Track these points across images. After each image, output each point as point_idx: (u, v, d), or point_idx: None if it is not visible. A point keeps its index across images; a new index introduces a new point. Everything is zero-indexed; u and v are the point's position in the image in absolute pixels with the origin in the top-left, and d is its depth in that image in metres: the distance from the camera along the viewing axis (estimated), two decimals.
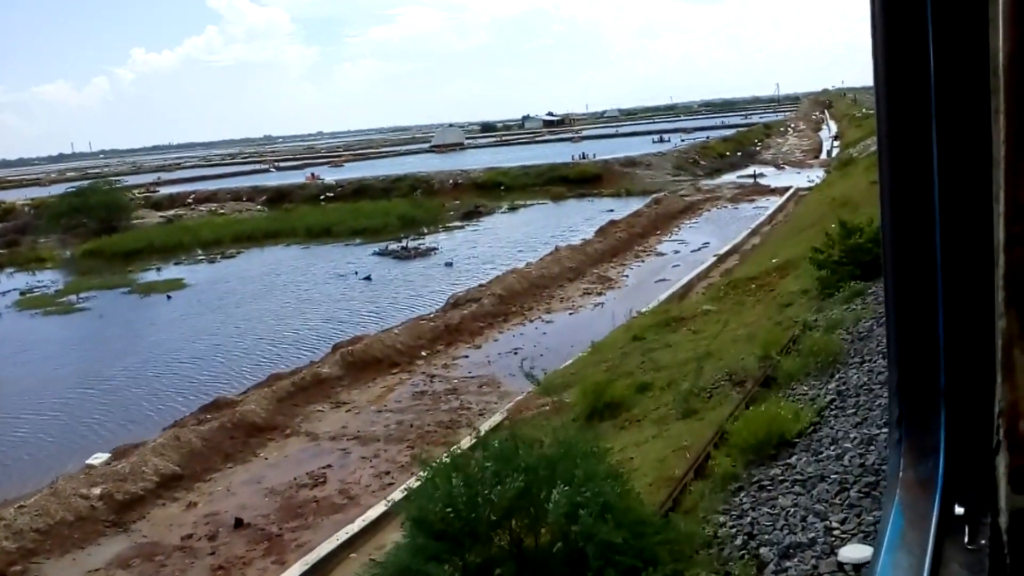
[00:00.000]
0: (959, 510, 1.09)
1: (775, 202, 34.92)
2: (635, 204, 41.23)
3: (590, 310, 20.25)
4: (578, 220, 38.25)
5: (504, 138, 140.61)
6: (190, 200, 64.24)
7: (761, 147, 68.30)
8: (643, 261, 25.87)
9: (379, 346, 16.86)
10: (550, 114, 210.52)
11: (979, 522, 1.05)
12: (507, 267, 26.22)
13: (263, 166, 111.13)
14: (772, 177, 48.12)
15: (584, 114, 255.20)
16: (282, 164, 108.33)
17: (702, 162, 57.03)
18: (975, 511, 1.07)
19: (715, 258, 23.39)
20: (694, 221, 33.48)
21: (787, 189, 38.63)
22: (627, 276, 23.78)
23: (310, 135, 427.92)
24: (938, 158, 1.03)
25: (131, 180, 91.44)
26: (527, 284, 21.95)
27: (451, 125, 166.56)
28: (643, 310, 17.39)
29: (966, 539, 1.06)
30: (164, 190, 73.17)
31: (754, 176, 45.83)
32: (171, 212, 54.38)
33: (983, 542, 1.03)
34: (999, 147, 0.81)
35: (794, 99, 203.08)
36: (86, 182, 56.99)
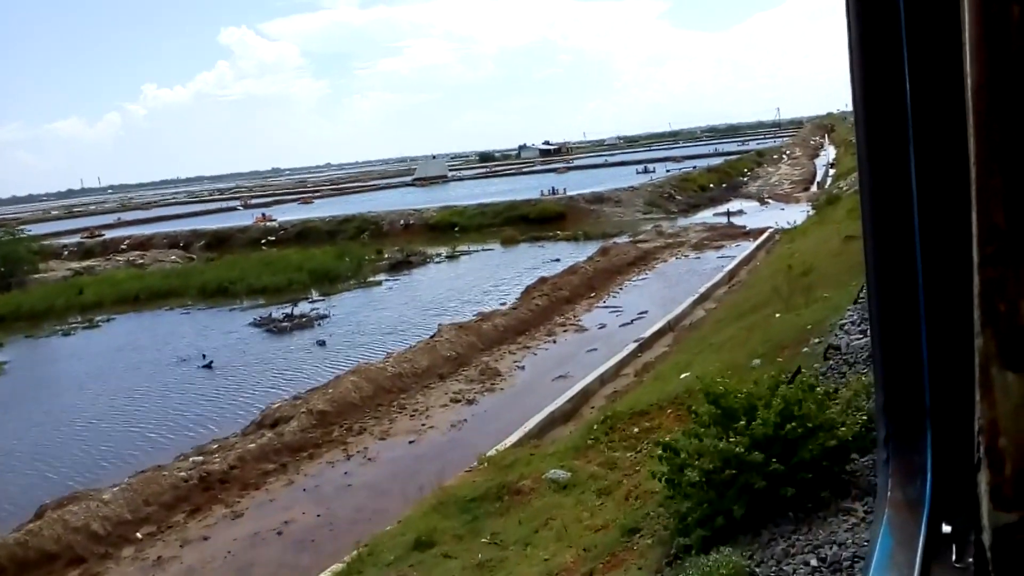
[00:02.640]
0: (946, 529, 1.11)
1: (745, 249, 28.96)
2: (591, 249, 35.65)
3: (443, 433, 14.25)
4: (518, 271, 32.43)
5: (494, 169, 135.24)
6: (124, 246, 59.02)
7: (749, 177, 62.37)
8: (555, 341, 19.90)
9: (71, 525, 10.88)
10: (546, 143, 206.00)
11: (966, 540, 1.07)
12: (399, 342, 20.47)
13: (236, 203, 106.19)
14: (752, 214, 42.24)
15: (582, 143, 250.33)
16: (253, 201, 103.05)
17: (678, 197, 51.14)
18: (962, 530, 1.08)
19: (636, 344, 17.39)
20: (643, 277, 27.51)
21: (763, 232, 32.70)
22: (523, 368, 17.79)
23: (318, 167, 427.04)
24: (916, 179, 1.04)
25: (84, 223, 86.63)
26: (373, 388, 16.00)
27: (434, 157, 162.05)
28: (487, 454, 11.43)
29: (953, 558, 1.07)
30: (110, 234, 67.82)
31: (728, 215, 39.86)
32: (85, 263, 48.73)
33: (970, 560, 1.04)
34: (971, 169, 0.83)
35: (797, 123, 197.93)
36: None
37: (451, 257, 38.68)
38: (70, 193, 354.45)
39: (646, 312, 21.87)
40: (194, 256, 50.03)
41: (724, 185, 57.43)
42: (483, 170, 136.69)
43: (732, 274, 24.82)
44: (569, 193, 54.48)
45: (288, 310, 27.17)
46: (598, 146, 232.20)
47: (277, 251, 48.34)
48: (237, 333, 25.69)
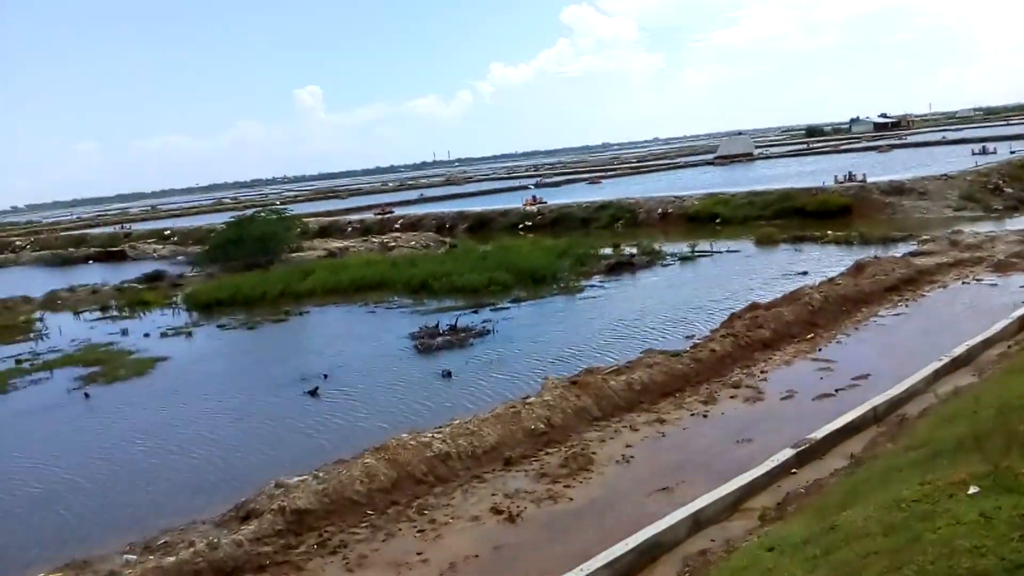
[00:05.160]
0: None
1: None
2: (868, 254, 28.17)
3: None
4: (751, 284, 26.14)
5: (812, 146, 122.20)
6: (397, 226, 60.05)
7: None
8: (707, 414, 14.05)
9: None
10: (883, 115, 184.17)
11: None
12: (532, 378, 16.10)
13: (537, 180, 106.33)
14: None
15: (928, 115, 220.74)
16: (548, 181, 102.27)
17: (1008, 189, 39.88)
18: None
19: (794, 451, 11.18)
20: (898, 311, 20.01)
21: None
22: (628, 460, 12.37)
23: (646, 142, 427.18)
24: None
25: (402, 196, 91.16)
26: (395, 477, 11.69)
27: (740, 133, 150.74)
28: None
29: None
30: (402, 211, 69.92)
31: None
32: (346, 243, 49.60)
33: None
34: None
35: None
36: (250, 211, 54.18)
37: (686, 258, 32.81)
38: (423, 165, 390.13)
39: (867, 376, 15.13)
40: (446, 240, 48.87)
41: None
42: (800, 147, 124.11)
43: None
44: (871, 179, 45.17)
45: (453, 321, 23.67)
46: (949, 119, 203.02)
47: (532, 237, 45.84)
48: (394, 344, 22.71)
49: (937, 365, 14.11)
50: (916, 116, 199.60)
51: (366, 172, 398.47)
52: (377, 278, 33.26)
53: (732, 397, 14.84)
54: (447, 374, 18.67)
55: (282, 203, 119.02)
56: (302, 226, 53.73)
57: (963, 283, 22.10)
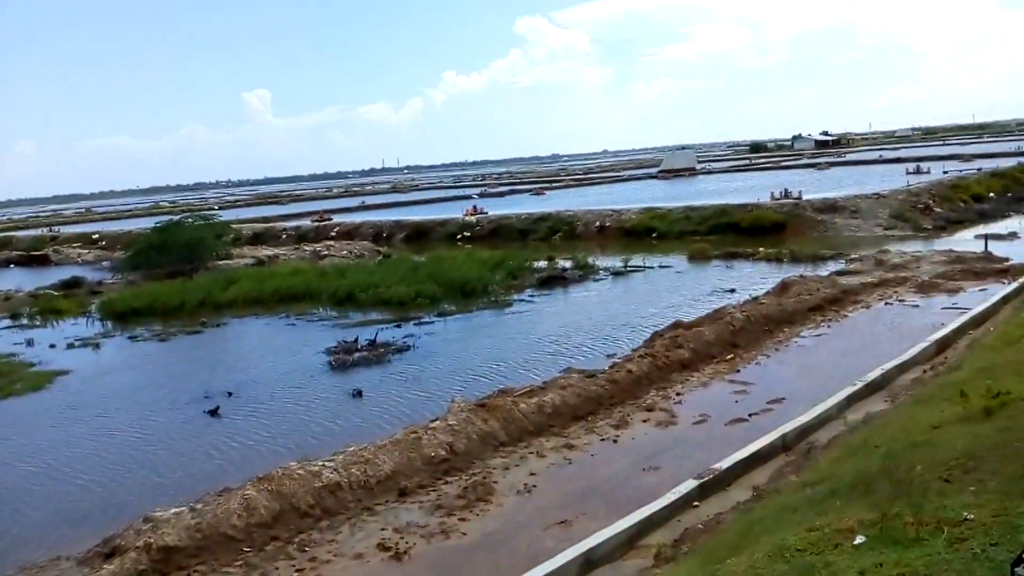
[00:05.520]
0: None
1: (989, 297, 20.25)
2: (795, 274, 28.26)
3: None
4: (678, 302, 25.88)
5: (755, 162, 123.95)
6: (333, 233, 58.98)
7: None
8: (616, 439, 13.53)
9: None
10: (824, 133, 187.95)
11: None
12: (446, 397, 15.31)
13: (481, 190, 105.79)
14: None
15: (868, 133, 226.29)
16: (492, 191, 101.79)
17: (937, 209, 40.52)
18: None
19: (697, 482, 10.70)
20: (820, 331, 19.85)
21: None
22: (529, 490, 11.78)
23: (595, 154, 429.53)
24: None
25: (348, 203, 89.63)
26: (277, 509, 10.89)
27: (685, 148, 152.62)
28: None
29: None
30: (341, 218, 68.56)
31: (986, 240, 29.77)
32: (276, 251, 48.35)
33: None
34: None
35: None
36: (178, 216, 52.61)
37: (619, 273, 32.51)
38: (373, 172, 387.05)
39: (782, 400, 14.81)
40: (380, 250, 47.95)
41: (1008, 195, 45.29)
42: (743, 163, 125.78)
43: (944, 344, 16.72)
44: (807, 197, 45.54)
45: (373, 336, 22.89)
46: (888, 137, 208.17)
47: (470, 248, 45.28)
48: (309, 359, 21.84)
49: (851, 390, 13.82)
50: (856, 134, 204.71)
51: (314, 177, 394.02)
52: (302, 288, 32.24)
53: (645, 421, 14.37)
54: (358, 393, 17.89)
55: (221, 208, 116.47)
56: (234, 232, 52.13)
57: (886, 304, 22.09)
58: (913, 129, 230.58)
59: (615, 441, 13.50)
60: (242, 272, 38.29)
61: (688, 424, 14.07)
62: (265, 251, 48.33)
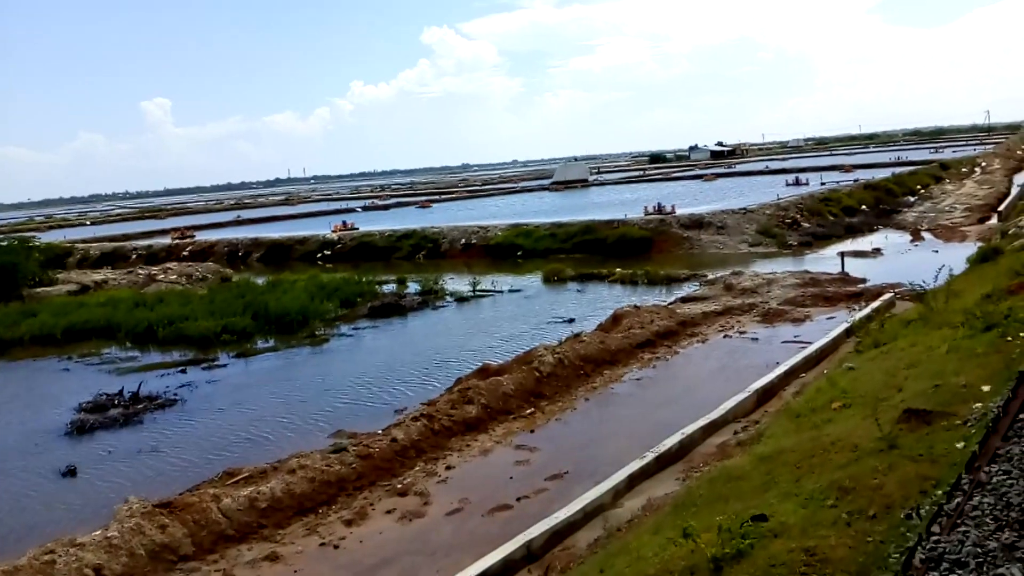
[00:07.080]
0: None
1: (833, 328, 18.08)
2: (651, 297, 26.20)
3: None
4: (513, 333, 23.14)
5: (647, 173, 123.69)
6: (186, 253, 54.47)
7: (920, 197, 48.70)
8: (338, 544, 10.49)
9: None
10: (720, 144, 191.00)
11: None
12: (186, 472, 12.09)
13: (366, 202, 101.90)
14: (891, 257, 30.53)
15: (763, 144, 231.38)
16: (379, 203, 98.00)
17: (805, 224, 39.14)
18: None
19: None
20: (647, 371, 17.28)
21: (880, 294, 21.49)
22: None
23: (505, 164, 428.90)
24: None
25: (233, 216, 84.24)
26: None
27: (575, 159, 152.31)
28: None
29: None
30: (204, 235, 63.72)
31: (843, 258, 28.05)
32: (106, 276, 43.55)
33: None
34: None
35: (1015, 128, 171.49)
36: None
37: (464, 299, 29.61)
38: (277, 182, 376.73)
39: (564, 474, 12.07)
40: (227, 272, 43.82)
41: (879, 207, 44.48)
42: (636, 174, 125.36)
43: (768, 392, 14.33)
44: (680, 211, 43.73)
45: (136, 388, 19.30)
46: (782, 147, 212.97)
47: (330, 267, 42.07)
48: (50, 419, 18.05)
49: (637, 466, 11.12)
50: (751, 145, 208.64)
51: (216, 188, 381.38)
52: (102, 323, 28.22)
53: (389, 512, 11.36)
54: (71, 472, 14.36)
55: (92, 223, 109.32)
56: (43, 256, 45.85)
57: (725, 336, 19.76)
58: (805, 140, 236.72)
59: (336, 547, 10.43)
60: (48, 302, 33.83)
61: (439, 516, 11.12)
62: (96, 276, 43.54)
